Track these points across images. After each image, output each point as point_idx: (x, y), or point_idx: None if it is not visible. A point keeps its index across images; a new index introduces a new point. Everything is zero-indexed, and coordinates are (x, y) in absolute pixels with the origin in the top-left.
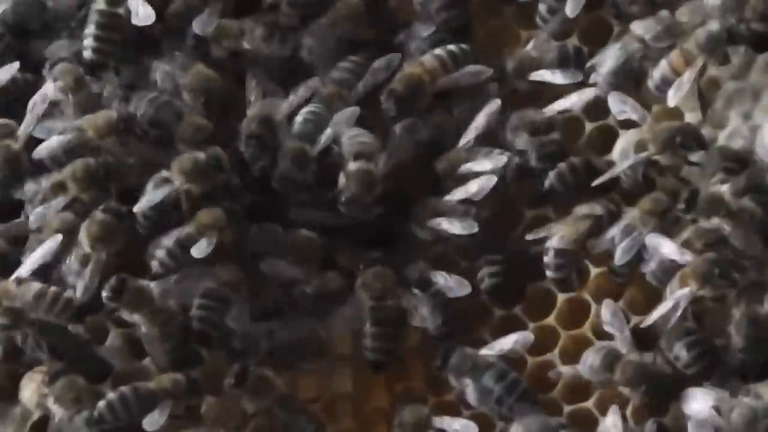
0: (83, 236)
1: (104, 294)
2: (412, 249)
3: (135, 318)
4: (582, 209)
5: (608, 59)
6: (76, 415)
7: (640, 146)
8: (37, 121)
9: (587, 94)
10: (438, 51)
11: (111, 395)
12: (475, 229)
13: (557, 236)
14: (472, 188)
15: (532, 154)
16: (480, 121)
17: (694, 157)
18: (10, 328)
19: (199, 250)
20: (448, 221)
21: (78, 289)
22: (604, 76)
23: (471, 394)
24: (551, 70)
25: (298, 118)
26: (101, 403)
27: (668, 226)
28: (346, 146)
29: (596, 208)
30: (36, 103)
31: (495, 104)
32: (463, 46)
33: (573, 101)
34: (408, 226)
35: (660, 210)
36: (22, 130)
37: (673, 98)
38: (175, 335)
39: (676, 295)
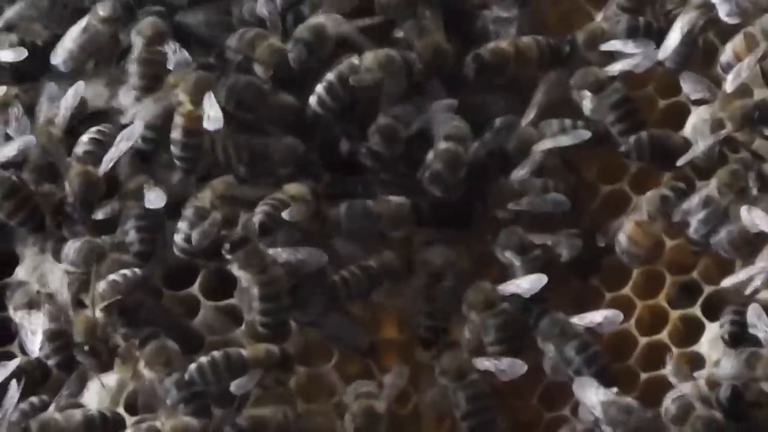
0: (208, 191)
1: (225, 245)
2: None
3: (240, 274)
4: (649, 199)
5: (673, 33)
6: (167, 378)
7: (716, 124)
8: (121, 157)
9: (651, 55)
10: (540, 37)
11: (202, 359)
12: (568, 206)
13: (626, 237)
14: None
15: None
16: (540, 97)
17: None
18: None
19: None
20: (529, 201)
21: (194, 238)
22: (673, 49)
23: (547, 362)
24: (622, 40)
25: None
26: (192, 366)
27: (745, 198)
28: (441, 128)
29: (663, 192)
30: (123, 139)
31: (552, 77)
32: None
33: (636, 62)
34: (487, 208)
35: (738, 182)
36: (105, 161)
37: (731, 84)
38: (273, 297)
39: (759, 265)
